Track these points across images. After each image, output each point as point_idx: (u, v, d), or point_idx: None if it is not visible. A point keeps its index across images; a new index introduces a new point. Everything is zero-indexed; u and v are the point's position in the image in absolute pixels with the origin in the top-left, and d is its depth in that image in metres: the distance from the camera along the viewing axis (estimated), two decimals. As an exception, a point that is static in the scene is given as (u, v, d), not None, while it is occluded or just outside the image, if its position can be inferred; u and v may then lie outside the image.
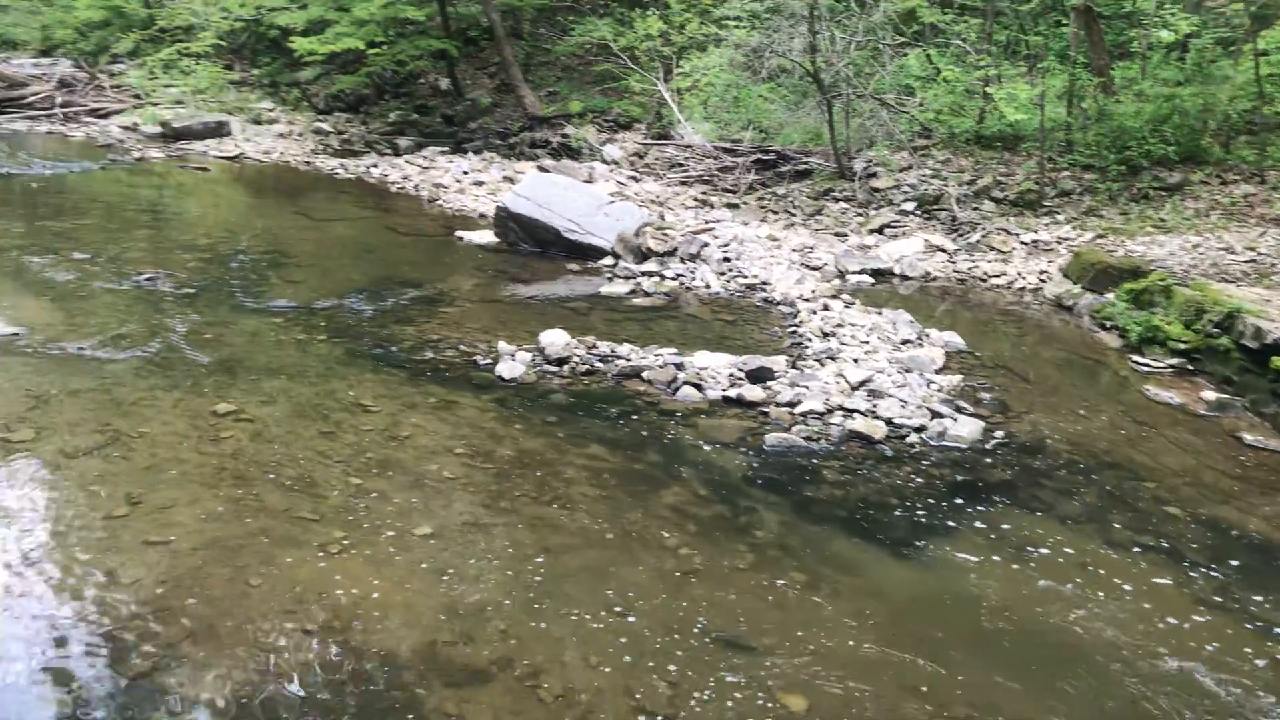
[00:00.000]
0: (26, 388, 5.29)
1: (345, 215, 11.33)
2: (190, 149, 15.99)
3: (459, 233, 10.29)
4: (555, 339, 6.46)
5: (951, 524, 4.57)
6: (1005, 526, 4.56)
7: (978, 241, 9.79)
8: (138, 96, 20.34)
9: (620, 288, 8.40)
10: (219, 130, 17.23)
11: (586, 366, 6.25)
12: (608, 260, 9.24)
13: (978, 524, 4.58)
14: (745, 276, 8.66)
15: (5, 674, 3.10)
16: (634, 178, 12.83)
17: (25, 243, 8.82)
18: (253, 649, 3.30)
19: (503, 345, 6.50)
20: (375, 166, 14.32)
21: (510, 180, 12.75)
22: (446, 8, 16.81)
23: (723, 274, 8.74)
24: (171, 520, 4.06)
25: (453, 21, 17.26)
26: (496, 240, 9.93)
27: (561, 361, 6.28)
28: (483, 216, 11.30)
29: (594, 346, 6.51)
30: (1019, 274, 9.07)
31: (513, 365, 6.16)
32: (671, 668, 3.34)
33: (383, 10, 14.61)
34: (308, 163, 15.04)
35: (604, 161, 13.57)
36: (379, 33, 15.46)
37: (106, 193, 12.10)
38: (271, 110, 19.17)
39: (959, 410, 5.79)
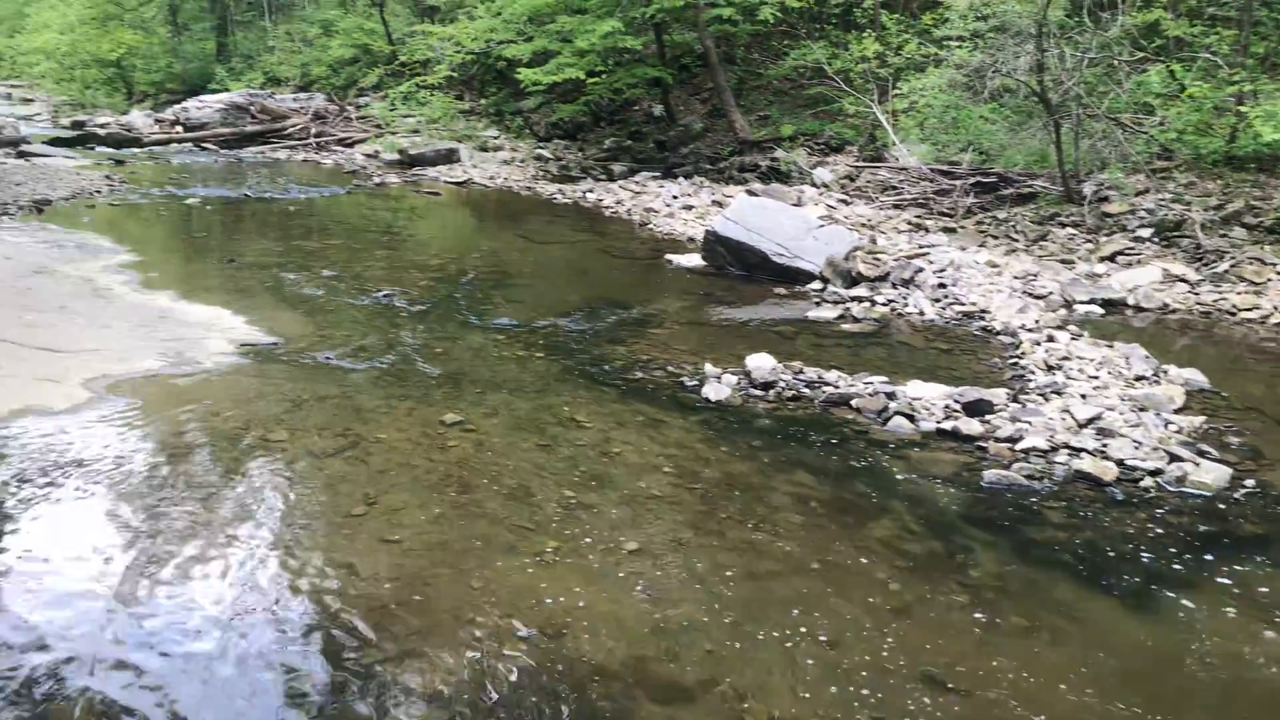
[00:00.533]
0: (283, 392, 5.86)
1: (562, 238, 11.83)
2: (424, 174, 17.20)
3: (668, 256, 10.51)
4: (761, 363, 6.47)
5: (1191, 577, 4.20)
6: (1258, 586, 4.14)
7: (1225, 271, 8.97)
8: (379, 126, 22.09)
9: (828, 313, 8.30)
10: (449, 157, 18.41)
11: (793, 392, 6.21)
12: (815, 284, 9.16)
13: (1222, 579, 4.18)
14: (962, 304, 8.33)
15: (247, 648, 3.43)
16: (844, 201, 12.65)
17: (283, 260, 9.79)
18: (472, 648, 3.49)
19: (709, 367, 6.57)
20: (590, 191, 14.87)
21: (719, 204, 12.89)
22: (663, 36, 17.25)
23: (938, 301, 8.45)
24: (403, 521, 4.37)
25: (668, 49, 17.69)
26: (704, 263, 10.06)
27: (767, 386, 6.27)
28: (691, 240, 11.49)
29: (800, 372, 6.46)
30: (1275, 307, 8.24)
31: (719, 388, 6.21)
32: (879, 703, 3.26)
33: (603, 41, 15.18)
34: (528, 188, 15.82)
35: (814, 185, 13.46)
36: (598, 62, 16.07)
37: (350, 215, 13.21)
38: (497, 138, 20.30)
39: (1201, 454, 5.31)
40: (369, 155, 19.89)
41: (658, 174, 15.85)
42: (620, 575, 4.01)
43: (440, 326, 7.58)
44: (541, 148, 19.16)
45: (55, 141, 20.22)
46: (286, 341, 6.91)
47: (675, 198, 13.73)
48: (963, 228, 11.19)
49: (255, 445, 5.09)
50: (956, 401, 5.89)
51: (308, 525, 4.32)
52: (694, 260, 10.21)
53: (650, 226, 12.46)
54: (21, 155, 17.27)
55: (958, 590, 4.02)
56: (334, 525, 4.32)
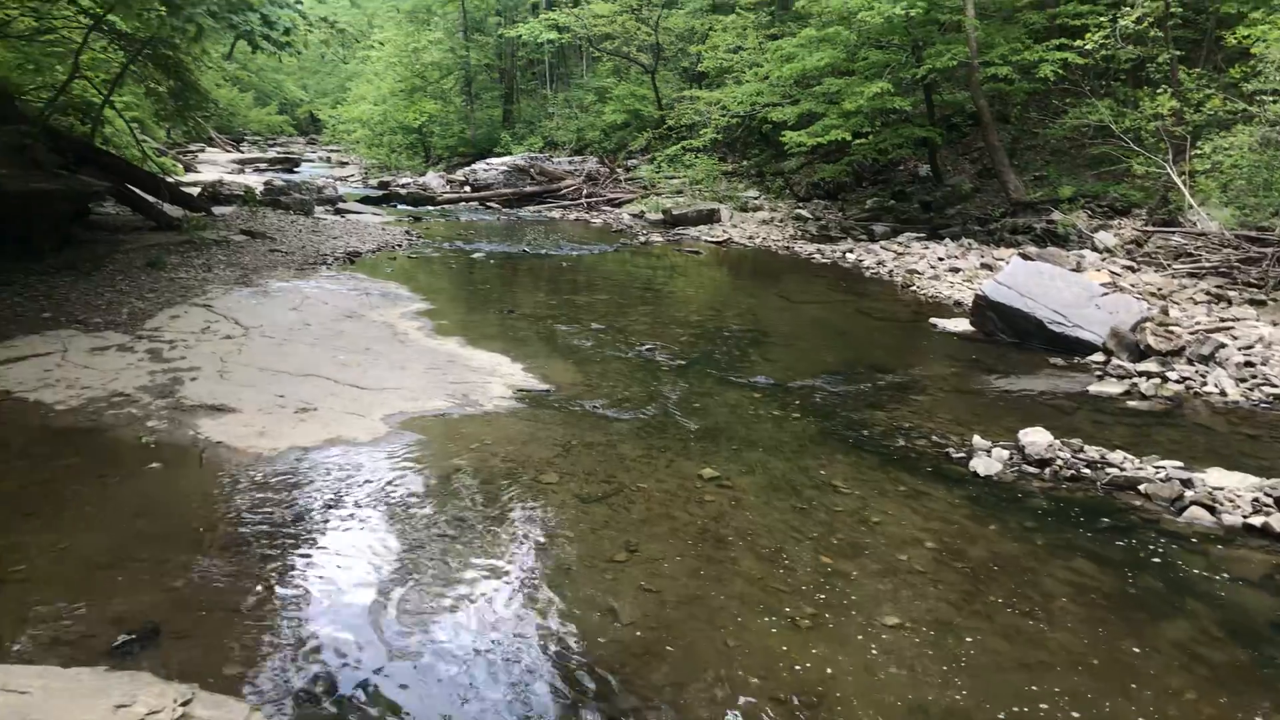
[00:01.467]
0: (554, 437, 6.21)
1: (820, 298, 11.77)
2: (685, 234, 17.74)
3: (932, 319, 10.18)
4: (1036, 438, 6.08)
5: None
6: None
7: None
8: (645, 187, 23.09)
9: (1112, 388, 7.68)
10: (710, 217, 18.89)
11: (1071, 471, 5.79)
12: (1097, 356, 8.52)
13: None
14: (1274, 385, 7.45)
15: (503, 676, 3.61)
16: (1130, 267, 11.73)
17: (556, 312, 10.41)
18: (725, 707, 3.49)
19: (977, 440, 6.27)
20: (850, 252, 14.73)
21: (989, 267, 12.36)
22: (932, 96, 16.91)
23: (1243, 380, 7.61)
24: (661, 571, 4.47)
25: (937, 109, 17.31)
26: (972, 329, 9.65)
27: (1043, 463, 5.88)
28: (958, 304, 11.07)
29: (1080, 450, 6.01)
30: None
31: (988, 462, 5.91)
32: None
33: (870, 102, 15.10)
34: (787, 247, 15.91)
35: (1095, 249, 12.60)
36: (864, 123, 15.99)
37: (617, 272, 13.85)
38: (757, 198, 20.62)
39: None
40: (635, 215, 20.83)
41: (922, 235, 15.45)
42: (879, 650, 3.88)
43: (699, 382, 7.75)
44: (801, 208, 19.24)
45: (365, 200, 22.76)
46: (558, 389, 7.32)
47: (941, 259, 13.30)
48: (1274, 300, 10.03)
49: (528, 485, 5.41)
50: (1269, 495, 5.25)
51: (572, 566, 4.51)
52: (961, 325, 9.82)
53: (913, 289, 12.14)
54: (338, 212, 19.58)
55: (1270, 713, 3.55)
56: (596, 569, 4.49)
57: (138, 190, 14.72)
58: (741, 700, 3.52)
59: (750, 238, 17.12)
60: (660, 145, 25.07)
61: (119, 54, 15.84)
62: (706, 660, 3.78)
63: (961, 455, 6.09)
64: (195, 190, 18.48)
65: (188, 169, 27.87)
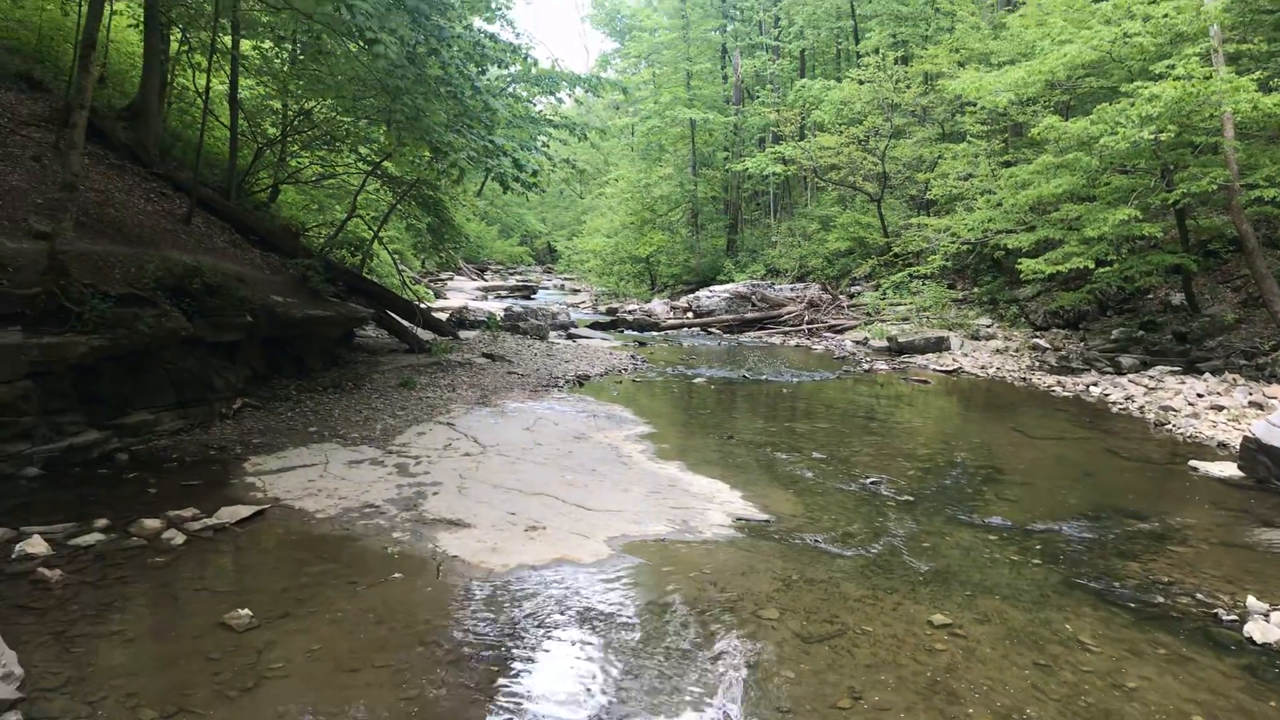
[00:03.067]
0: (774, 570, 6.09)
1: (1061, 434, 11.04)
2: (911, 362, 17.29)
3: (1192, 462, 9.28)
4: (1329, 604, 5.32)
5: None
6: None
7: None
8: (869, 314, 22.83)
9: None
10: (939, 345, 18.36)
11: (1377, 646, 5.00)
12: (1402, 512, 7.42)
13: None
14: None
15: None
16: None
17: (775, 439, 10.35)
18: None
19: (1253, 601, 5.57)
20: (1094, 385, 13.80)
21: (1259, 406, 11.19)
22: (1185, 221, 15.85)
23: None
24: (887, 724, 4.21)
25: (1192, 234, 16.18)
26: (1240, 474, 8.70)
27: (1338, 634, 5.12)
28: (1222, 446, 10.04)
29: (1388, 622, 5.20)
30: None
31: (1267, 627, 5.21)
32: None
33: (1115, 229, 14.33)
34: (1023, 379, 15.13)
35: (1392, 388, 11.13)
36: (1108, 250, 15.16)
37: (839, 400, 13.64)
38: (989, 326, 19.87)
39: None
40: (858, 342, 20.57)
41: (1177, 368, 14.24)
42: (1141, 840, 3.43)
43: (927, 519, 7.40)
44: (1038, 337, 18.32)
45: (594, 325, 23.91)
46: (777, 520, 7.21)
47: (1200, 396, 12.18)
48: None
49: (747, 620, 5.31)
50: None
51: (791, 710, 4.34)
52: (1227, 469, 8.88)
53: (1168, 427, 11.15)
54: (570, 337, 20.64)
55: None
56: (817, 714, 4.29)
57: (395, 316, 16.20)
58: None
59: (983, 367, 16.43)
60: (885, 272, 24.85)
61: (388, 194, 17.78)
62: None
63: (1233, 618, 5.42)
64: (444, 316, 20.12)
65: (438, 295, 30.42)
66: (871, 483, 8.43)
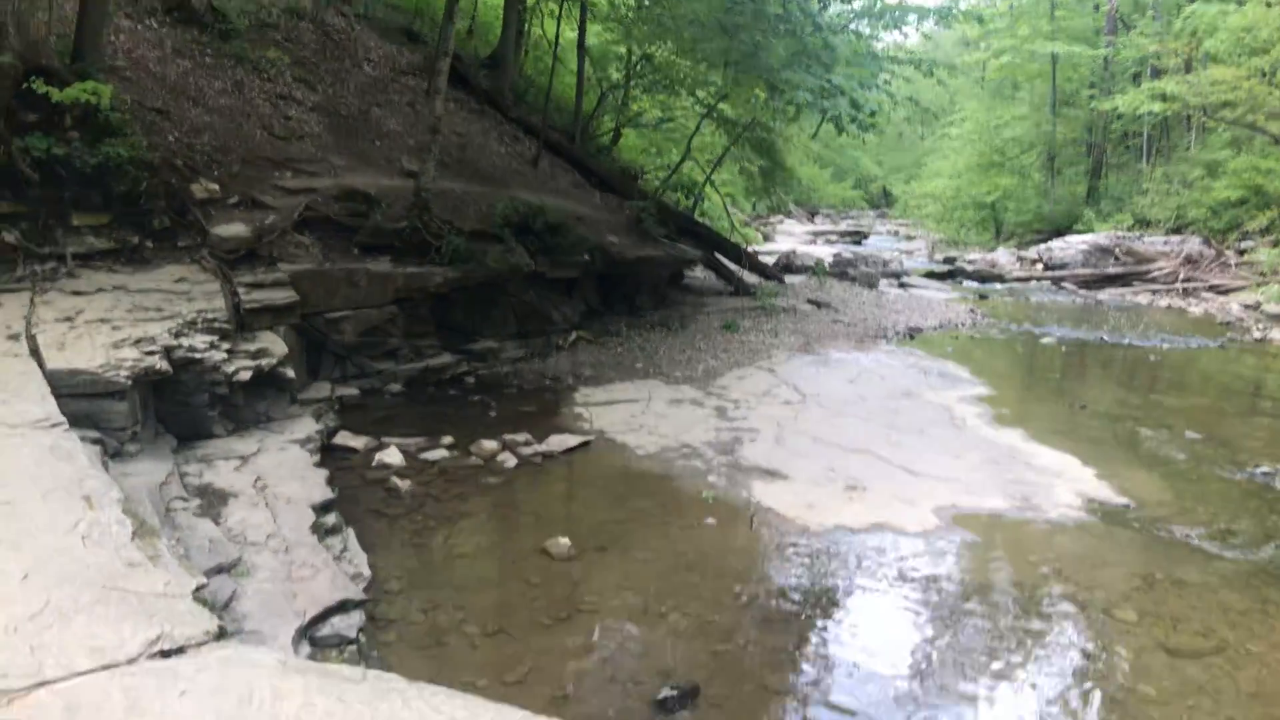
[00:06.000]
0: (1132, 565, 5.27)
1: None
2: (1318, 332, 14.57)
3: None
4: None
5: None
6: None
7: None
8: (1263, 274, 19.63)
9: None
10: (1356, 313, 15.30)
11: None
12: None
13: None
14: None
15: None
16: None
17: (1138, 413, 9.08)
18: None
19: None
20: None
21: None
22: None
23: None
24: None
25: None
26: None
27: None
28: None
29: None
30: None
31: None
32: None
33: None
34: None
35: None
36: None
37: (1221, 372, 11.78)
38: None
39: None
40: (1248, 305, 17.69)
41: None
42: None
43: (1340, 524, 6.09)
44: None
45: (929, 275, 22.59)
46: (1139, 506, 6.26)
47: None
48: None
49: (1097, 619, 4.61)
50: None
51: (1151, 735, 3.68)
52: None
53: None
54: (902, 286, 19.66)
55: None
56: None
57: (723, 258, 16.24)
58: None
59: None
60: (1288, 225, 21.14)
61: (722, 137, 17.78)
62: None
63: None
64: (771, 260, 19.93)
65: (766, 239, 30.31)
66: (1263, 473, 7.10)
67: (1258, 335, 14.24)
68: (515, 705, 3.05)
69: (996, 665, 4.19)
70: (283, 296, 7.26)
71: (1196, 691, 3.98)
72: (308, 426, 6.58)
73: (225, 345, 6.26)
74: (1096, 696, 3.96)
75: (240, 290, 6.97)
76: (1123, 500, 6.34)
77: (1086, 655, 4.30)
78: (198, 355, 5.91)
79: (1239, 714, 3.81)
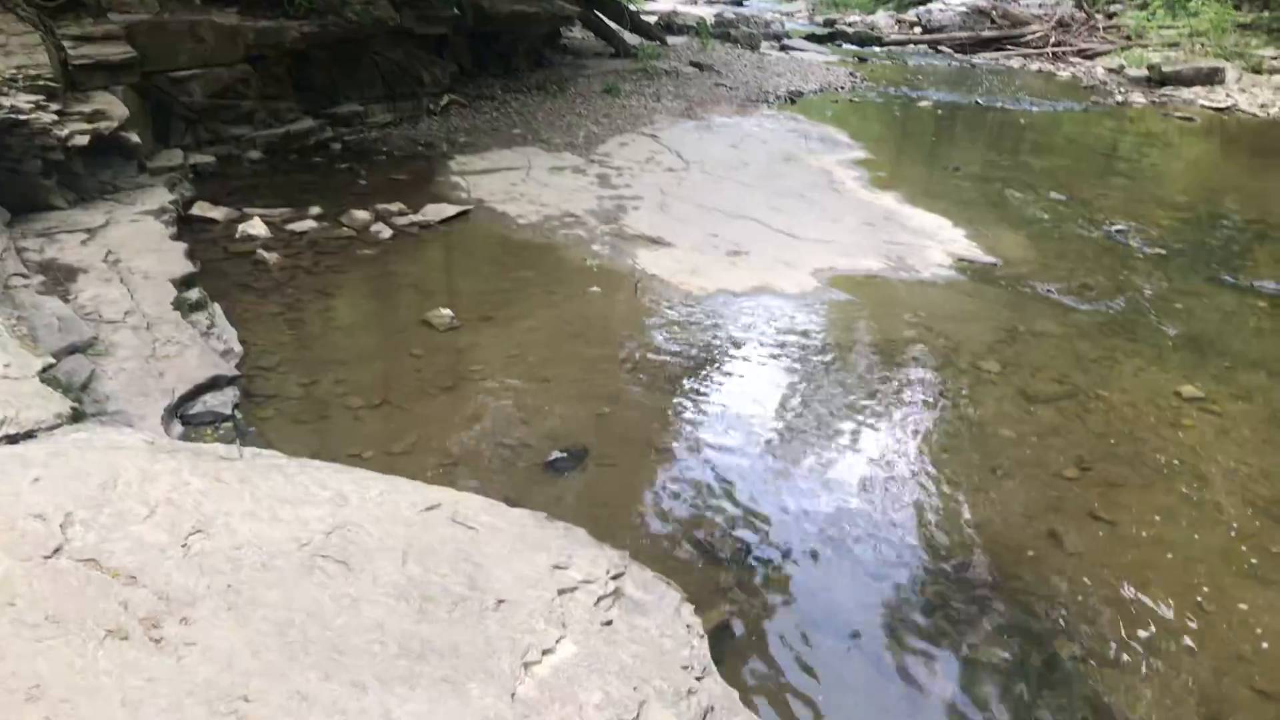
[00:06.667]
0: (998, 319, 5.53)
1: (1358, 189, 9.38)
2: (1174, 96, 15.11)
3: None
4: None
5: None
6: None
7: None
8: (1128, 38, 19.92)
9: None
10: (1210, 77, 15.86)
11: None
12: None
13: None
14: None
15: (874, 544, 3.23)
16: None
17: (1007, 175, 9.31)
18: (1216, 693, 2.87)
19: None
20: None
21: None
22: None
23: None
24: (1119, 501, 3.78)
25: None
26: None
27: None
28: None
29: None
30: None
31: None
32: None
33: None
34: (1314, 121, 12.90)
35: None
36: None
37: (1083, 134, 12.12)
38: (1275, 58, 16.90)
39: None
40: (1111, 70, 18.04)
41: None
42: None
43: (1182, 278, 6.49)
44: (1341, 73, 15.42)
45: (810, 37, 22.01)
46: (1005, 264, 6.51)
47: None
48: None
49: (964, 370, 4.86)
50: None
51: (1008, 473, 3.96)
52: None
53: None
54: (783, 48, 19.15)
55: None
56: (1038, 481, 3.90)
57: (603, 17, 15.35)
58: (1219, 688, 2.87)
59: (1263, 105, 14.08)
60: (1156, -12, 21.29)
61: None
62: (1171, 619, 3.13)
63: None
64: (653, 20, 18.98)
65: (647, -1, 28.72)
66: (1117, 230, 7.45)
67: (1119, 99, 14.62)
68: (404, 476, 3.03)
69: (865, 413, 4.39)
70: (117, 52, 6.47)
71: (1051, 433, 4.29)
72: (161, 197, 6.08)
73: (54, 106, 5.60)
74: (959, 438, 4.22)
75: (66, 44, 6.16)
76: (990, 259, 6.57)
77: (952, 402, 4.55)
78: (22, 117, 5.27)
79: (1086, 451, 4.13)
